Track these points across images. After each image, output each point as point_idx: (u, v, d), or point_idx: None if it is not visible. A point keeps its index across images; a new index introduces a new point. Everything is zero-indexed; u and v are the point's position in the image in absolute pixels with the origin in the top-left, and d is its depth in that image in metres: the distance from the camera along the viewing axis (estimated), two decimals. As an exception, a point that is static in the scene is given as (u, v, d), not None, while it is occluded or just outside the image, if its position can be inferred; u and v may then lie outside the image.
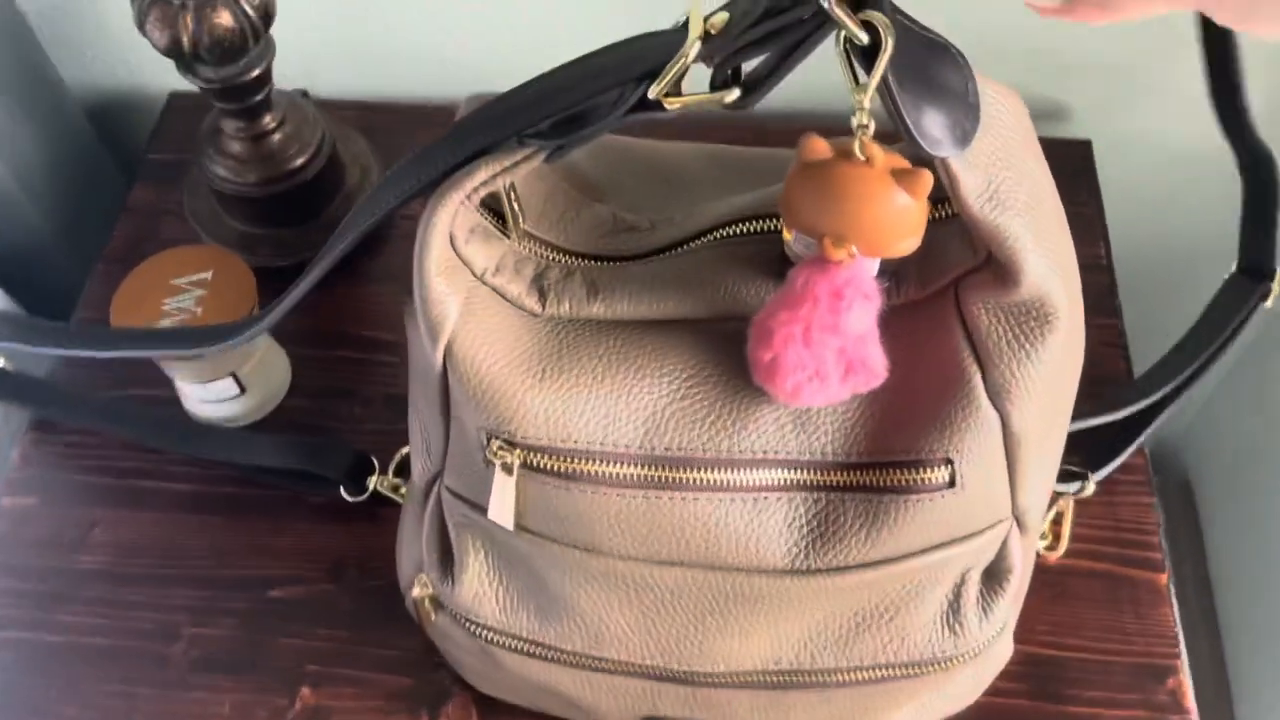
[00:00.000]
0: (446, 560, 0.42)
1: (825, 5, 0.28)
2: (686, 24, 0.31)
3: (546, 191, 0.41)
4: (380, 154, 0.67)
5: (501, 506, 0.38)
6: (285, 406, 0.60)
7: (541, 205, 0.40)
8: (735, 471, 0.37)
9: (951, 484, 0.37)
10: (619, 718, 0.45)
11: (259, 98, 0.57)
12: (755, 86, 0.31)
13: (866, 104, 0.31)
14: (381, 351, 0.61)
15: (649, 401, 0.37)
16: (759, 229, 0.39)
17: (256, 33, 0.54)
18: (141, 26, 0.53)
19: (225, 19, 0.52)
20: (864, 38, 0.29)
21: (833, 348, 0.35)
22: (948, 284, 0.38)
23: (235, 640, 0.52)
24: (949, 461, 0.37)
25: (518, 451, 0.37)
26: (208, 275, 0.54)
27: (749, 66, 0.32)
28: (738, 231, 0.39)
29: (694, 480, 0.37)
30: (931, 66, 0.32)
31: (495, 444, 0.37)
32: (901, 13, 0.31)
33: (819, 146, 0.33)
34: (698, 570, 0.38)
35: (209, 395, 0.56)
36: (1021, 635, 0.50)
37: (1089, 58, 0.66)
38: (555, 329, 0.38)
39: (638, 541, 0.38)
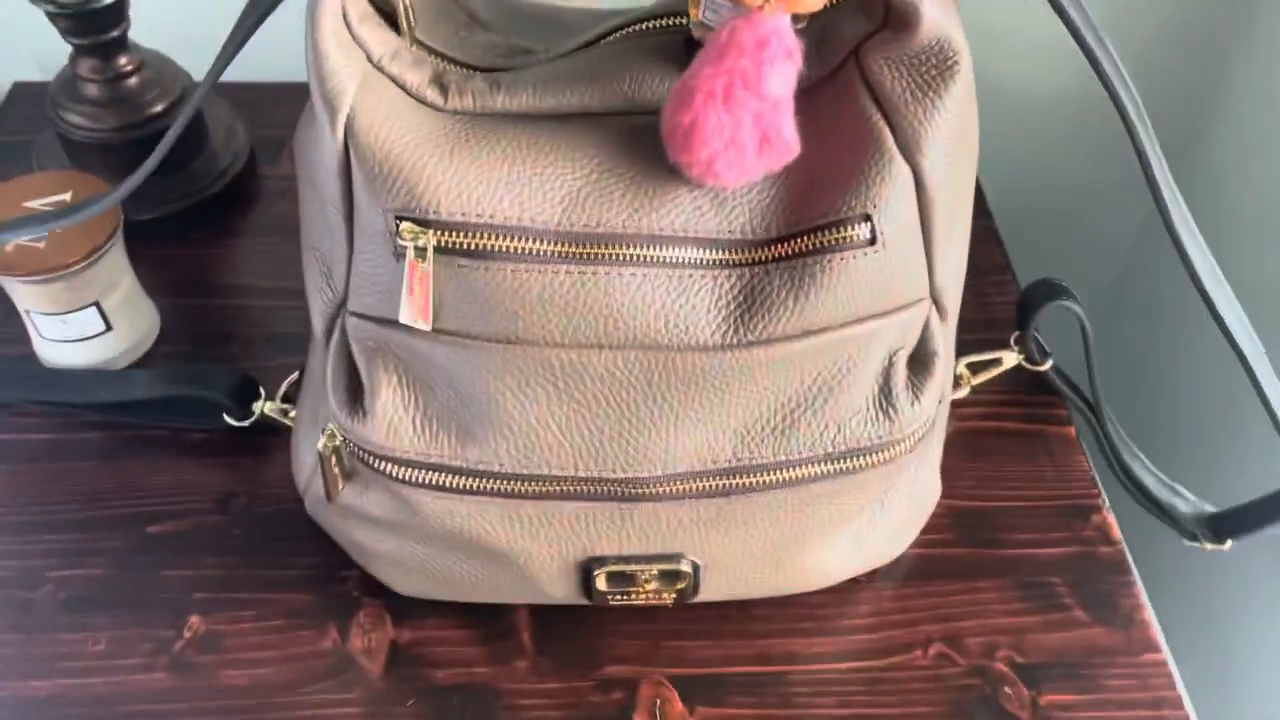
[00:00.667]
0: (356, 396, 0.39)
1: None
2: None
3: (438, 11, 0.40)
4: (249, 120, 0.65)
5: (416, 305, 0.36)
6: (155, 354, 0.55)
7: (432, 23, 0.39)
8: (657, 248, 0.36)
9: (873, 240, 0.37)
10: (554, 566, 0.41)
11: (115, 33, 0.55)
12: None
13: None
14: (256, 296, 0.58)
15: (564, 183, 0.36)
16: (662, 25, 0.39)
17: (114, -50, 0.52)
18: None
19: (81, -72, 0.50)
20: None
21: (751, 111, 0.34)
22: (847, 55, 0.38)
23: (110, 579, 0.47)
24: (868, 217, 0.37)
25: (431, 232, 0.35)
26: (66, 197, 0.51)
27: None
28: (640, 29, 0.39)
29: (617, 255, 0.36)
30: None
31: (406, 227, 0.35)
32: None
33: None
34: (628, 351, 0.37)
35: (71, 332, 0.52)
36: (947, 491, 0.49)
37: None
38: (460, 119, 0.37)
39: (564, 323, 0.36)
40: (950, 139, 0.37)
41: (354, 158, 0.35)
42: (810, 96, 0.38)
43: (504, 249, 0.35)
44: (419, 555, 0.43)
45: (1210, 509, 0.53)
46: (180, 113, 0.57)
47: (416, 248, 0.35)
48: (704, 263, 0.37)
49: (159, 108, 0.58)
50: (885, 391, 0.40)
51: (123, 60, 0.57)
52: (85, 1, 0.53)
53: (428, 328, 0.37)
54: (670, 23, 0.39)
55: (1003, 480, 0.52)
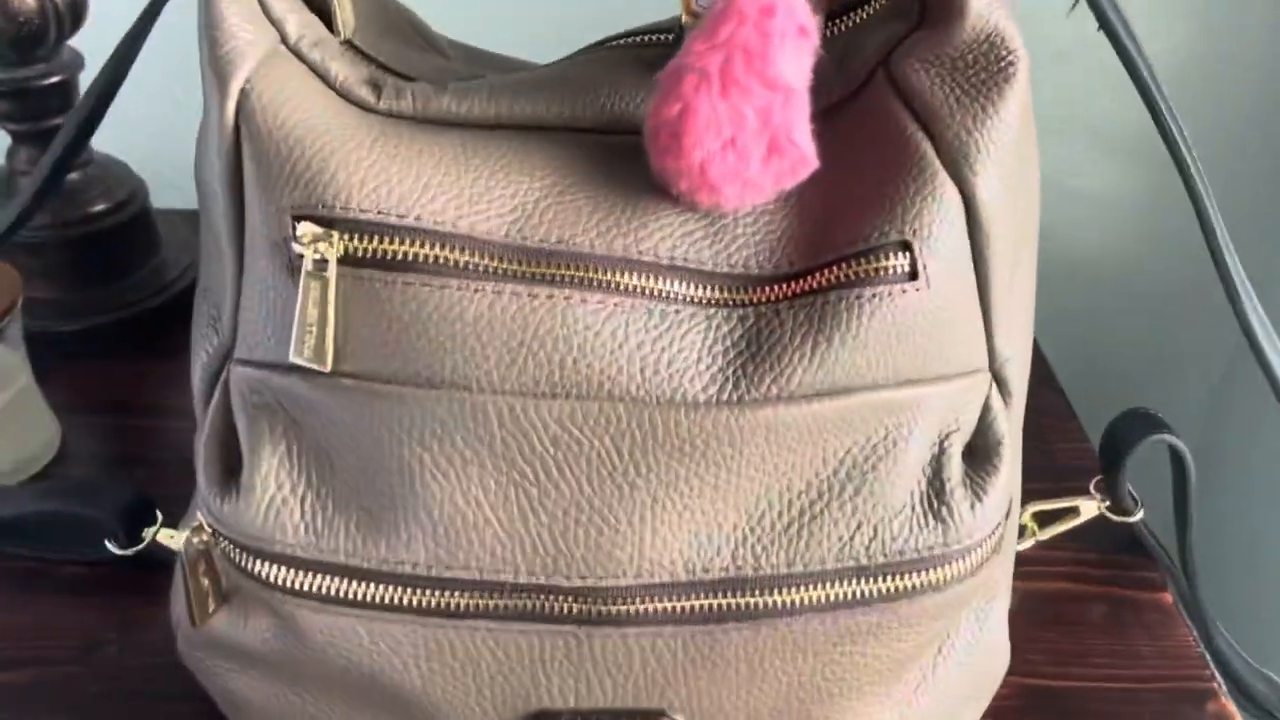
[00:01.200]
0: (231, 469, 0.30)
1: None
2: None
3: (384, 26, 0.34)
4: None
5: (310, 336, 0.27)
6: (48, 474, 0.46)
7: (377, 36, 0.33)
8: (634, 276, 0.28)
9: (913, 275, 0.28)
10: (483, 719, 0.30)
11: (58, 120, 0.50)
12: None
13: None
14: (178, 418, 0.49)
15: (516, 190, 0.29)
16: (651, 40, 0.33)
17: (61, 27, 0.47)
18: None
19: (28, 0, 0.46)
20: None
21: (755, 104, 0.27)
22: (875, 66, 0.31)
23: (-76, 738, 0.36)
24: (906, 246, 0.28)
25: (337, 236, 0.27)
26: (-41, 280, 0.44)
27: None
28: (625, 43, 0.33)
29: (578, 279, 0.28)
30: None
31: (305, 230, 0.27)
32: None
33: None
34: (590, 403, 0.27)
35: (-60, 439, 0.43)
36: (1014, 664, 0.38)
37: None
38: (392, 121, 0.30)
39: (506, 362, 0.27)
40: (1008, 155, 0.29)
41: (245, 141, 0.28)
42: (832, 118, 0.31)
43: (431, 259, 0.27)
44: (304, 709, 0.32)
45: None
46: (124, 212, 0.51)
47: (316, 258, 0.27)
48: (694, 300, 0.28)
49: (100, 207, 0.52)
50: (935, 487, 0.30)
51: (65, 154, 0.51)
52: (31, 78, 0.48)
53: (326, 369, 0.28)
54: (661, 38, 0.33)
55: (1086, 656, 0.41)
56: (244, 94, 0.28)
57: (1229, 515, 0.74)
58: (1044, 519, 0.44)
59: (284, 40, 0.29)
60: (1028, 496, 0.43)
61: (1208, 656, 0.41)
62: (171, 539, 0.40)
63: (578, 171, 0.29)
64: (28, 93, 0.48)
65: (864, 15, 0.33)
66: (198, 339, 0.32)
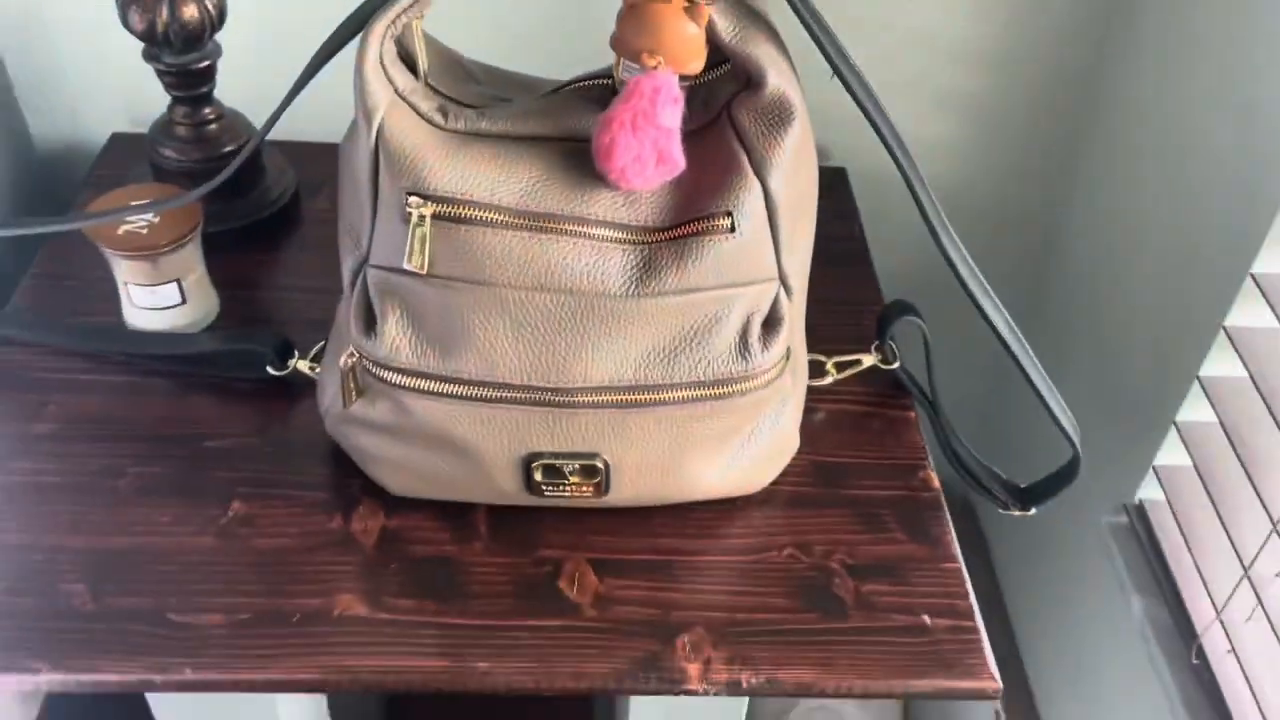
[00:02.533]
0: (370, 324, 0.56)
1: None
2: None
3: (444, 67, 0.58)
4: (295, 168, 0.83)
5: (416, 256, 0.53)
6: (215, 327, 0.72)
7: (440, 75, 0.58)
8: (585, 227, 0.54)
9: (733, 229, 0.54)
10: (504, 460, 0.57)
11: (205, 89, 0.74)
12: None
13: None
14: (294, 293, 0.75)
15: (523, 179, 0.54)
16: (596, 84, 0.58)
17: (213, 27, 0.71)
18: (124, 16, 0.69)
19: (192, 11, 0.69)
20: None
21: (650, 137, 0.52)
22: (721, 109, 0.56)
23: (174, 475, 0.63)
24: (729, 213, 0.54)
25: (429, 204, 0.53)
26: (160, 197, 0.68)
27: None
28: (583, 86, 0.58)
29: (556, 228, 0.53)
30: None
31: (413, 200, 0.52)
32: None
33: None
34: (561, 294, 0.53)
35: (155, 301, 0.68)
36: (811, 449, 0.66)
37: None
38: (454, 136, 0.55)
39: (517, 272, 0.53)
40: (789, 164, 0.55)
41: (381, 152, 0.53)
42: (698, 135, 0.56)
43: (478, 217, 0.53)
44: (407, 454, 0.59)
45: (1017, 483, 0.69)
46: (246, 147, 0.75)
47: (419, 214, 0.53)
48: (617, 240, 0.54)
49: (230, 147, 0.76)
50: (743, 340, 0.57)
51: (207, 110, 0.75)
52: (191, 63, 0.72)
53: (423, 273, 0.53)
54: (602, 82, 0.58)
55: (854, 445, 0.68)
56: (380, 128, 0.53)
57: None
58: (841, 366, 0.71)
59: (396, 91, 0.54)
60: (841, 352, 0.70)
61: (934, 451, 0.69)
62: (307, 367, 0.67)
63: (556, 166, 0.55)
64: (187, 73, 0.72)
65: (716, 75, 0.57)
66: (344, 252, 0.57)
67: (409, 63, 0.56)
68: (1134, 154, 0.86)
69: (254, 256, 0.78)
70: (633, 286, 0.54)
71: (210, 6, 0.70)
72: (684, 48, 0.52)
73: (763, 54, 0.54)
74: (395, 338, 0.55)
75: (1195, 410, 0.76)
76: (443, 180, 0.53)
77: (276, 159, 0.82)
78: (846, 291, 0.79)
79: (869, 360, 0.71)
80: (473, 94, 0.58)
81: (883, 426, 0.70)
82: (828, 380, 0.71)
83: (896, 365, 0.71)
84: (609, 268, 0.54)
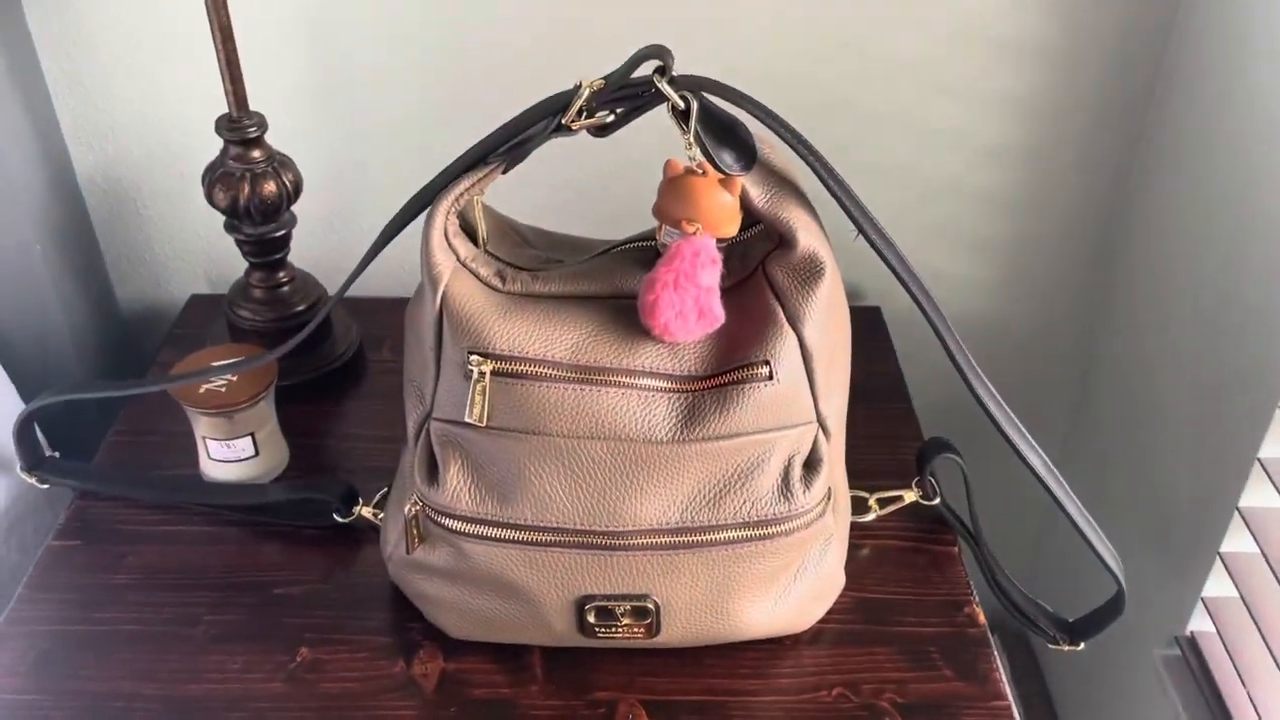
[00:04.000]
0: (433, 473, 0.60)
1: (659, 87, 0.54)
2: (578, 86, 0.55)
3: (500, 234, 0.63)
4: (359, 322, 0.89)
5: (476, 410, 0.57)
6: (285, 476, 0.76)
7: (498, 241, 0.63)
8: (632, 378, 0.57)
9: (771, 377, 0.58)
10: (558, 603, 0.60)
11: (280, 255, 0.80)
12: (620, 120, 0.56)
13: (693, 142, 0.55)
14: (359, 441, 0.80)
15: (574, 335, 0.58)
16: (640, 245, 0.62)
17: (290, 200, 0.77)
18: (209, 194, 0.76)
19: (271, 187, 0.76)
20: (682, 105, 0.54)
21: (691, 295, 0.56)
22: (756, 265, 0.60)
23: (246, 622, 0.66)
24: (767, 362, 0.58)
25: (489, 362, 0.57)
26: (240, 358, 0.74)
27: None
28: (628, 247, 0.62)
29: (606, 380, 0.57)
30: (727, 126, 0.56)
31: (474, 358, 0.57)
32: (708, 95, 0.56)
33: (677, 166, 0.57)
34: (609, 442, 0.57)
35: (231, 454, 0.73)
36: (856, 586, 0.67)
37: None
38: (511, 298, 0.59)
39: (570, 422, 0.57)
40: (822, 315, 0.58)
41: (445, 316, 0.58)
42: (735, 290, 0.60)
43: (533, 373, 0.57)
44: (465, 598, 0.62)
45: (1065, 618, 0.70)
46: (319, 311, 0.80)
47: (480, 371, 0.57)
48: (662, 389, 0.58)
49: (302, 307, 0.82)
50: (785, 482, 0.59)
51: (281, 274, 0.81)
52: (268, 232, 0.78)
53: (483, 425, 0.57)
54: (645, 244, 0.62)
55: (899, 580, 0.70)
56: (445, 295, 0.57)
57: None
58: (883, 502, 0.73)
59: (458, 260, 0.59)
60: (882, 488, 0.73)
61: (970, 582, 0.70)
62: (370, 514, 0.70)
63: (605, 322, 0.59)
64: (264, 241, 0.78)
65: (750, 234, 0.61)
66: (409, 406, 0.62)
67: (470, 232, 0.61)
68: (1166, 289, 0.89)
69: (322, 407, 0.82)
70: (678, 432, 0.57)
71: (288, 182, 0.77)
72: (720, 215, 0.57)
73: (793, 216, 0.58)
74: (456, 486, 0.59)
75: (1237, 541, 0.77)
76: (501, 339, 0.57)
77: (341, 315, 0.88)
78: (885, 427, 0.82)
79: (910, 496, 0.73)
80: (527, 257, 0.63)
81: (927, 562, 0.71)
82: (870, 517, 0.73)
83: (937, 501, 0.73)
84: (655, 415, 0.57)
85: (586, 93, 0.55)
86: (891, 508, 0.73)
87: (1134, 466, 0.93)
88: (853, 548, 0.69)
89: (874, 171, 0.93)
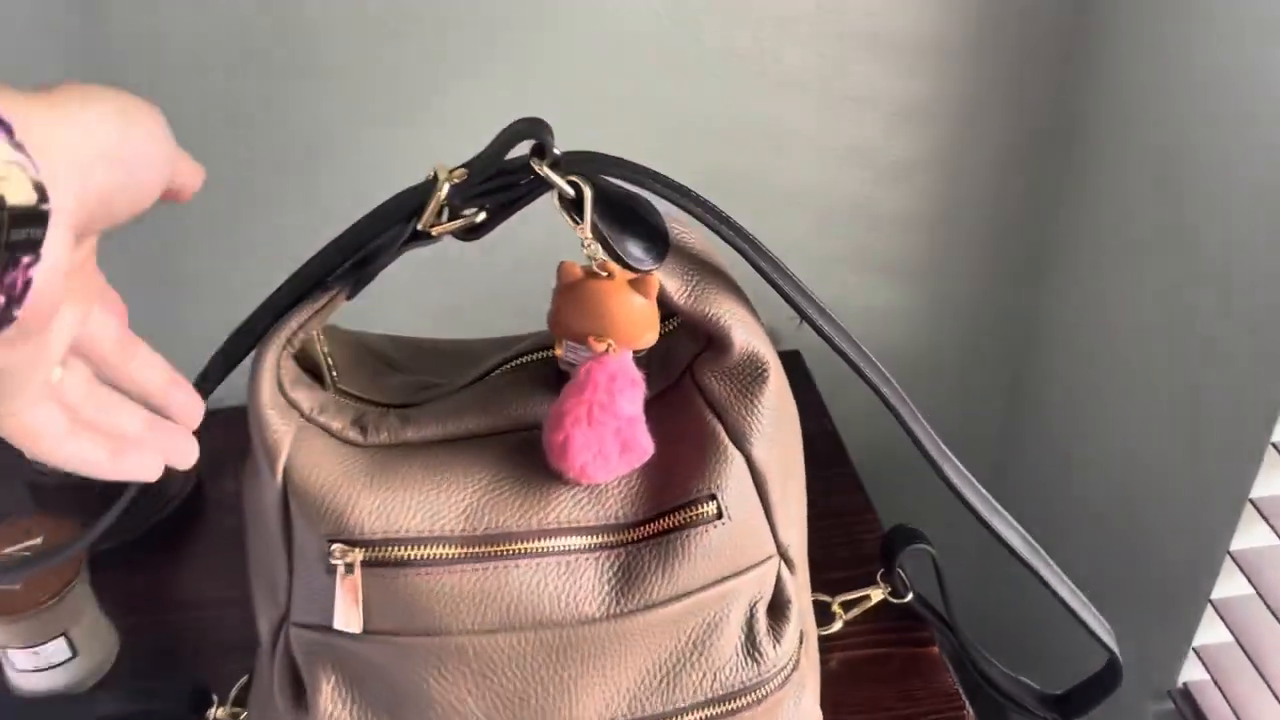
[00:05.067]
0: (299, 695, 0.46)
1: (540, 173, 0.41)
2: (435, 177, 0.42)
3: (354, 361, 0.50)
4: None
5: (348, 612, 0.44)
6: (116, 671, 0.61)
7: (351, 372, 0.49)
8: (546, 540, 0.45)
9: (720, 515, 0.46)
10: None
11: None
12: (493, 218, 0.43)
13: (589, 237, 0.42)
14: (206, 608, 0.65)
15: (465, 496, 0.45)
16: (537, 359, 0.49)
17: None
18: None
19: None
20: (571, 192, 0.42)
21: (610, 428, 0.44)
22: (683, 370, 0.48)
23: None
24: (714, 496, 0.46)
25: (358, 550, 0.43)
26: (37, 541, 0.58)
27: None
28: (519, 362, 0.49)
29: (513, 550, 0.44)
30: (631, 210, 0.44)
31: (337, 548, 0.43)
32: (603, 176, 0.43)
33: (573, 269, 0.44)
34: (528, 632, 0.44)
35: (41, 662, 0.57)
36: (834, 716, 0.56)
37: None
38: (377, 453, 0.46)
39: (472, 613, 0.44)
40: (771, 426, 0.47)
41: (291, 497, 0.44)
42: (660, 402, 0.48)
43: (419, 556, 0.43)
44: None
45: (1054, 693, 0.61)
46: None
47: (346, 564, 0.43)
48: (586, 548, 0.45)
49: (115, 449, 0.66)
50: (750, 639, 0.48)
51: (83, 413, 0.65)
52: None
53: (359, 631, 0.44)
54: (542, 355, 0.50)
55: (879, 699, 0.59)
56: (288, 470, 0.44)
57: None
58: (847, 605, 0.63)
59: (301, 414, 0.45)
60: (841, 583, 0.62)
61: (961, 691, 0.60)
62: (227, 714, 0.56)
63: (503, 468, 0.46)
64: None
65: (669, 328, 0.49)
66: (260, 606, 0.48)
67: (312, 369, 0.48)
68: (1111, 301, 0.81)
69: (153, 569, 0.67)
70: (614, 603, 0.45)
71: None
72: (635, 325, 0.45)
73: (723, 311, 0.46)
74: (332, 711, 0.45)
75: (1230, 586, 0.69)
76: (370, 519, 0.43)
77: (170, 447, 0.72)
78: (833, 500, 0.71)
79: (877, 595, 0.63)
80: (393, 387, 0.50)
81: (905, 667, 0.61)
82: (837, 626, 0.62)
83: (910, 598, 0.63)
84: (582, 587, 0.45)
85: (446, 187, 0.42)
86: (856, 610, 0.63)
87: (1113, 517, 0.85)
88: (820, 664, 0.59)
89: (776, 193, 0.81)
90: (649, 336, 0.45)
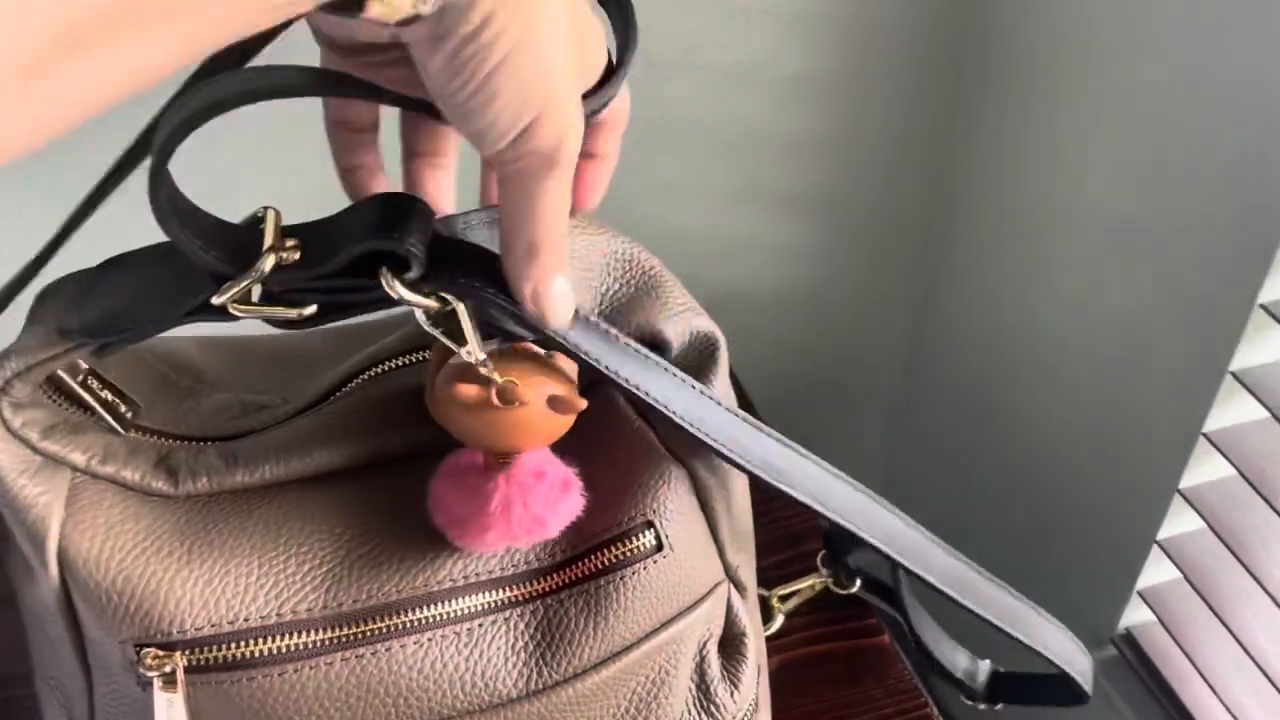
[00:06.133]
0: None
1: (396, 295, 0.28)
2: (258, 225, 0.28)
3: (152, 385, 0.37)
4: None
5: (175, 734, 0.32)
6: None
7: (148, 401, 0.36)
8: (438, 605, 0.34)
9: (659, 547, 0.36)
10: None
11: None
12: (325, 314, 0.30)
13: (480, 355, 0.30)
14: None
15: (324, 558, 0.33)
16: (402, 364, 0.38)
17: None
18: None
19: None
20: (435, 306, 0.29)
21: (526, 520, 0.32)
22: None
23: None
24: (650, 524, 0.36)
25: (178, 654, 0.31)
26: None
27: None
28: (380, 371, 0.37)
29: (394, 626, 0.33)
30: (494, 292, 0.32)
31: (149, 654, 0.31)
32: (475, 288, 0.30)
33: (469, 392, 0.31)
34: (428, 728, 0.33)
35: None
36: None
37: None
38: (195, 506, 0.34)
39: (350, 718, 0.33)
40: (716, 425, 0.37)
41: (74, 592, 0.31)
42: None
43: (266, 652, 0.32)
44: None
45: (990, 667, 0.53)
46: None
47: (163, 674, 0.31)
48: (492, 606, 0.35)
49: None
50: (703, 690, 0.38)
51: None
52: None
53: (194, 756, 0.32)
54: (410, 359, 0.38)
55: (833, 711, 0.51)
56: (61, 551, 0.31)
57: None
58: (785, 598, 0.54)
59: (75, 470, 0.32)
60: (772, 570, 0.53)
61: (920, 685, 0.53)
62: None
63: (370, 518, 0.34)
64: None
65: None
66: (50, 712, 0.35)
67: (82, 404, 0.34)
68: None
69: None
70: (534, 676, 0.34)
71: None
72: (557, 434, 0.33)
73: (647, 318, 0.35)
74: None
75: (1179, 523, 0.64)
76: (191, 610, 0.31)
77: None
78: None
79: (818, 583, 0.54)
80: (207, 412, 0.37)
81: (859, 668, 0.53)
82: (777, 624, 0.53)
83: (857, 587, 0.54)
84: (492, 660, 0.34)
85: (271, 262, 0.28)
86: (797, 601, 0.54)
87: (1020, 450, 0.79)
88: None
89: (664, 122, 0.70)
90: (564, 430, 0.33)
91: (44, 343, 0.30)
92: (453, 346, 0.30)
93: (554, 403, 0.31)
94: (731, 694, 0.39)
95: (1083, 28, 0.62)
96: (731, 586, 0.40)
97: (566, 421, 0.33)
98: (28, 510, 0.31)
